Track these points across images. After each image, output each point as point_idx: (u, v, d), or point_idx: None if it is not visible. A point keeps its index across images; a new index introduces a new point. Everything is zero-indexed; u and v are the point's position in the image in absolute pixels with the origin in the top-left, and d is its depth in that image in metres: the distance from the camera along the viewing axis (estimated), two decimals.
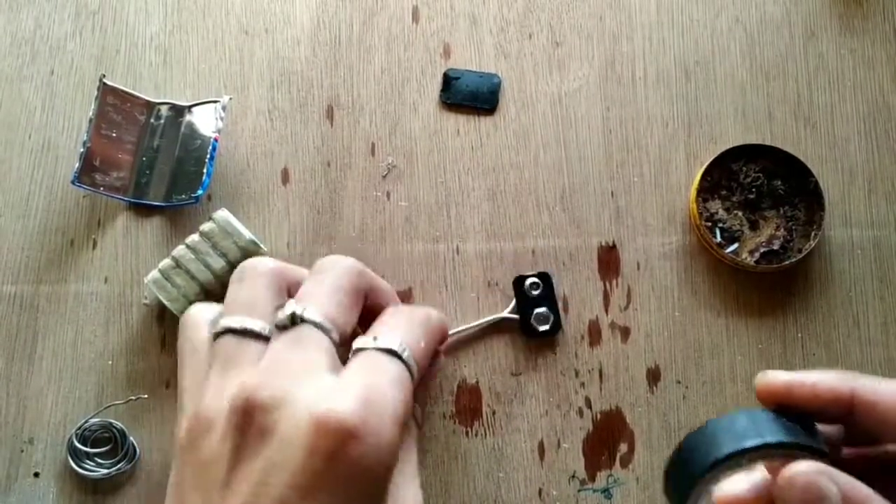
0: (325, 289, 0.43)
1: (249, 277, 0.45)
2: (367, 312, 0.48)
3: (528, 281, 0.67)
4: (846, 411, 0.30)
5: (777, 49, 0.73)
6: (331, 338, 0.40)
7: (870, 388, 0.30)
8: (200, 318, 0.45)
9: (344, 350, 0.43)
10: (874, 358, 0.67)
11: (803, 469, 0.27)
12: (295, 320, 0.40)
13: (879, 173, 0.71)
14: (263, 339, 0.40)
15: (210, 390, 0.37)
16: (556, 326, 0.66)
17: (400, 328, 0.43)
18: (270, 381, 0.35)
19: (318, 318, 0.40)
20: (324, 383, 0.35)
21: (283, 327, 0.40)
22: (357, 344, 0.41)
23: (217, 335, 0.41)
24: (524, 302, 0.67)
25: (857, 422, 0.30)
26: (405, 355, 0.40)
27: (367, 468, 0.32)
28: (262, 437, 0.32)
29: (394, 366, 0.38)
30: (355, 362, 0.39)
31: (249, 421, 0.33)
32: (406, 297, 0.68)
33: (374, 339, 0.41)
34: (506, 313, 0.67)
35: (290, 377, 0.35)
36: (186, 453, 0.36)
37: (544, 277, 0.67)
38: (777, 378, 0.32)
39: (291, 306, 0.41)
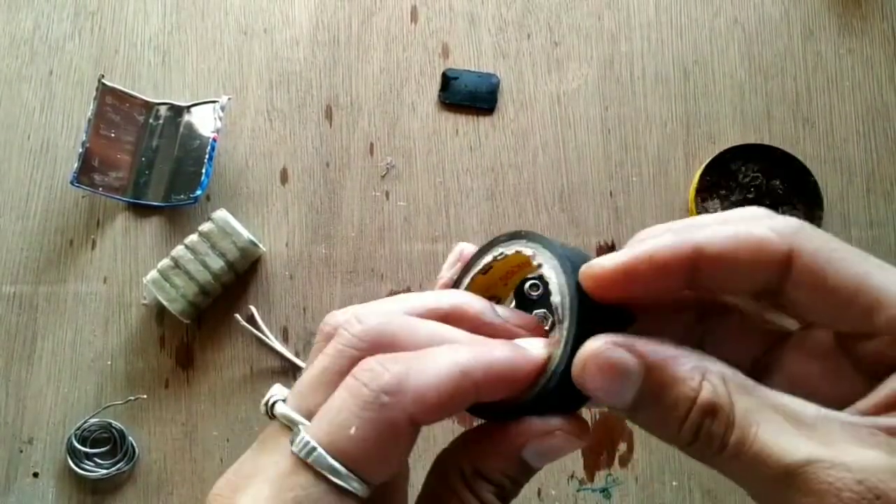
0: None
1: None
2: None
3: (528, 283, 0.67)
4: (690, 276, 0.24)
5: (775, 49, 0.73)
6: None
7: (712, 239, 0.23)
8: None
9: None
10: None
11: (594, 349, 0.24)
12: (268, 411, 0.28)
13: (878, 173, 0.71)
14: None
15: None
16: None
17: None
18: (220, 486, 0.27)
19: (288, 412, 0.27)
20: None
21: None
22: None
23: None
24: (523, 303, 0.67)
25: (700, 279, 0.24)
26: (313, 459, 0.24)
27: None
28: None
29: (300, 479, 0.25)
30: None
31: None
32: None
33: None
34: None
35: (234, 486, 0.27)
36: None
37: (543, 279, 0.67)
38: (604, 268, 0.25)
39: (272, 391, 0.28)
